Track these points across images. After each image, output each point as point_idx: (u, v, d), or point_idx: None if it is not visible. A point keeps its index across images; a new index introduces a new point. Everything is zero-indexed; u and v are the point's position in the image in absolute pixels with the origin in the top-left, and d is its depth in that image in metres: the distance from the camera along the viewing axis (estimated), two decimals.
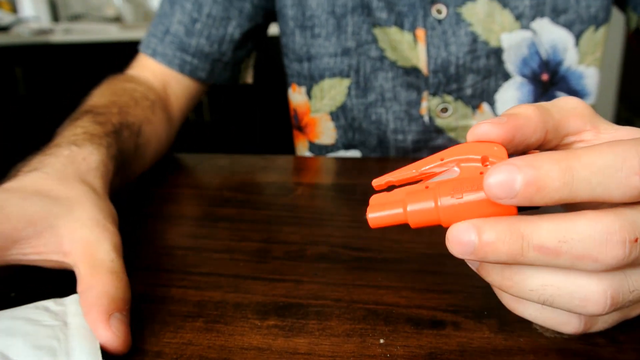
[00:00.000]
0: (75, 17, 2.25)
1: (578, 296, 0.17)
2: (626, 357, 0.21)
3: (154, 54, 0.52)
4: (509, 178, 0.17)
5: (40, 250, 0.25)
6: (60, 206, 0.27)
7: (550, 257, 0.17)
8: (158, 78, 0.53)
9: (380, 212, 0.20)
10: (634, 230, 0.16)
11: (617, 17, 0.76)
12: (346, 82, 0.53)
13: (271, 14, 0.56)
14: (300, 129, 0.59)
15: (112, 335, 0.22)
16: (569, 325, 0.19)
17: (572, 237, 0.17)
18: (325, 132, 0.57)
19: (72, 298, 0.25)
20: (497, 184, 0.17)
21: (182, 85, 0.54)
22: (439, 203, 0.19)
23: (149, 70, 0.53)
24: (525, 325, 0.23)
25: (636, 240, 0.17)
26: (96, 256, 0.25)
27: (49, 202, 0.27)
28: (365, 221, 0.20)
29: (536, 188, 0.17)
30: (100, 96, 0.43)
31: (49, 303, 0.25)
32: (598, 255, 0.17)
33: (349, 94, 0.53)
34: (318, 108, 0.56)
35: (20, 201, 0.26)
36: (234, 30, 0.53)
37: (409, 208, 0.19)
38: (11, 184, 0.28)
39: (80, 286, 0.24)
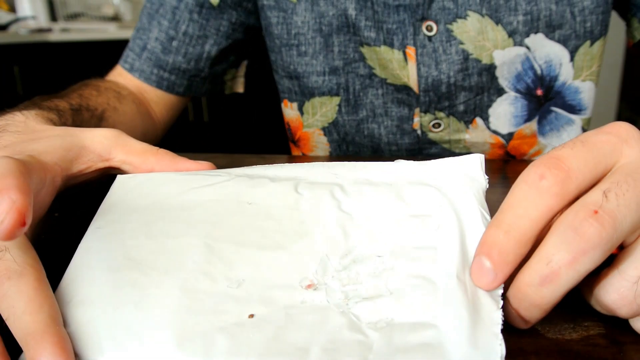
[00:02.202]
0: (74, 16, 2.24)
1: None
2: (627, 358, 0.21)
3: (131, 69, 0.53)
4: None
5: (89, 164, 0.29)
6: (69, 137, 0.28)
7: None
8: (134, 86, 0.53)
9: None
10: None
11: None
12: (336, 100, 0.52)
13: (255, 29, 0.56)
14: (295, 142, 0.59)
15: (205, 165, 0.30)
16: None
17: None
18: (319, 145, 0.57)
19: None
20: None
21: (160, 97, 0.54)
22: None
23: (126, 78, 0.53)
24: None
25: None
26: (135, 147, 0.30)
27: (58, 138, 0.28)
28: None
29: None
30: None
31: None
32: None
33: (339, 111, 0.53)
34: (310, 123, 0.55)
35: (39, 142, 0.27)
36: (211, 47, 0.53)
37: None
38: (2, 143, 0.27)
39: (143, 169, 0.29)
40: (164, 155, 0.30)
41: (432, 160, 0.26)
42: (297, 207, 0.24)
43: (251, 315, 0.19)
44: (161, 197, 0.25)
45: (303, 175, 0.26)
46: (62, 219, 0.32)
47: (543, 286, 0.19)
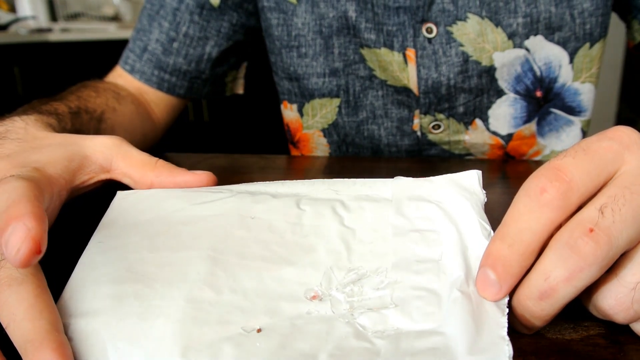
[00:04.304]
0: (74, 16, 2.24)
1: None
2: (627, 358, 0.21)
3: (132, 71, 0.53)
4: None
5: (91, 175, 0.29)
6: (71, 145, 0.28)
7: None
8: (134, 87, 0.53)
9: None
10: None
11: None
12: (336, 102, 0.52)
13: (255, 30, 0.56)
14: (294, 144, 0.59)
15: (203, 175, 0.29)
16: None
17: None
18: (319, 147, 0.57)
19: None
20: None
21: (161, 98, 0.54)
22: None
23: (126, 80, 0.53)
24: None
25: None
26: (135, 159, 0.30)
27: (60, 147, 0.28)
28: None
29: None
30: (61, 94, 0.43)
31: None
32: None
33: (339, 112, 0.53)
34: (310, 125, 0.55)
35: (42, 152, 0.27)
36: (211, 49, 0.53)
37: None
38: (4, 151, 0.27)
39: (142, 184, 0.29)
40: (162, 170, 0.29)
41: (431, 177, 0.27)
42: (300, 221, 0.24)
43: (259, 330, 0.19)
44: (163, 213, 0.25)
45: (304, 192, 0.26)
46: (59, 222, 0.32)
47: (542, 300, 0.20)
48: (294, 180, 0.28)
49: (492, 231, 0.23)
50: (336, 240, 0.23)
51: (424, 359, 0.18)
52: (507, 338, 0.19)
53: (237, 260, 0.22)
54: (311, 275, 0.22)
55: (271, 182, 0.28)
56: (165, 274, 0.21)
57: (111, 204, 0.27)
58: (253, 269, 0.22)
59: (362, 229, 0.24)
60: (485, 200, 0.25)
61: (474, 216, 0.23)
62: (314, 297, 0.21)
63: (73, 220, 0.31)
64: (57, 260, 0.24)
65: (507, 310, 0.20)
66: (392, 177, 0.27)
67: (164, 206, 0.26)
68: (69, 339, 0.19)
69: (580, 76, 0.49)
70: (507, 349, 0.18)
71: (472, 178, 0.25)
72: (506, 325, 0.19)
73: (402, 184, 0.26)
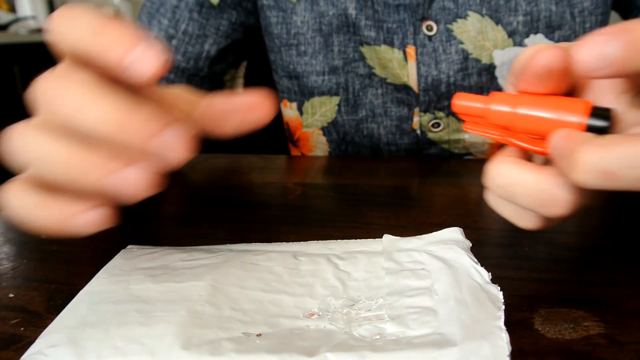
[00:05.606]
0: None
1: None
2: (627, 357, 0.21)
3: None
4: (603, 46, 0.16)
5: None
6: None
7: None
8: None
9: (465, 101, 0.23)
10: None
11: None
12: (336, 100, 0.52)
13: (255, 28, 0.56)
14: (294, 143, 0.59)
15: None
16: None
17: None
18: (318, 146, 0.57)
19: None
20: (590, 53, 0.16)
21: None
22: (517, 110, 0.21)
23: None
24: (526, 326, 0.23)
25: None
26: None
27: None
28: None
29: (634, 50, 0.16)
30: None
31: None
32: None
33: (339, 111, 0.53)
34: (310, 123, 0.55)
35: None
36: (210, 47, 0.53)
37: (491, 106, 0.22)
38: None
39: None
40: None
41: (418, 235, 0.29)
42: (297, 267, 0.26)
43: (259, 335, 0.21)
44: (166, 262, 0.27)
45: (300, 249, 0.29)
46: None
47: (601, 177, 0.17)
48: (291, 242, 0.30)
49: (482, 268, 0.24)
50: (332, 279, 0.25)
51: (423, 347, 0.19)
52: (504, 328, 0.20)
53: (237, 289, 0.24)
54: (309, 302, 0.23)
55: (269, 243, 0.30)
56: (167, 297, 0.23)
57: (116, 255, 0.28)
58: (253, 296, 0.24)
59: (356, 271, 0.26)
60: (470, 245, 0.27)
61: (461, 252, 0.25)
62: (311, 315, 0.22)
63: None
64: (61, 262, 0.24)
65: (503, 307, 0.21)
66: (391, 178, 0.28)
67: (167, 257, 0.28)
68: (66, 347, 0.19)
69: None
70: (504, 335, 0.19)
71: (455, 232, 0.28)
72: (502, 318, 0.20)
73: (391, 240, 0.29)
